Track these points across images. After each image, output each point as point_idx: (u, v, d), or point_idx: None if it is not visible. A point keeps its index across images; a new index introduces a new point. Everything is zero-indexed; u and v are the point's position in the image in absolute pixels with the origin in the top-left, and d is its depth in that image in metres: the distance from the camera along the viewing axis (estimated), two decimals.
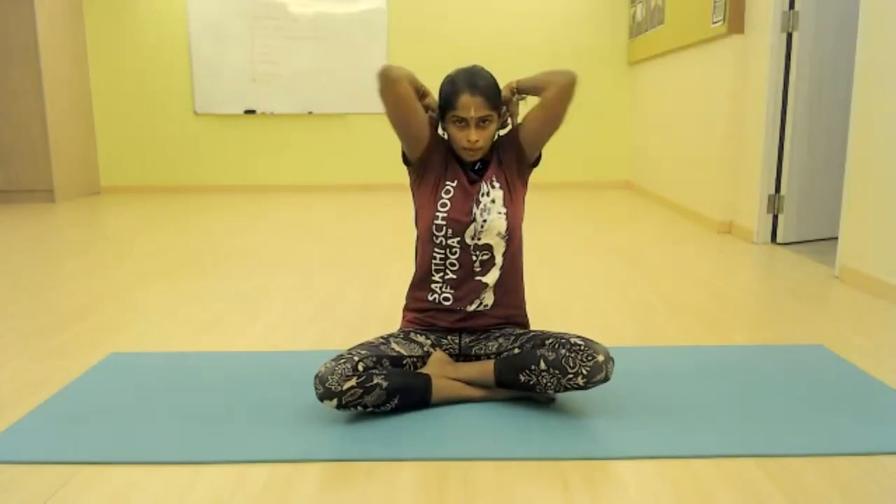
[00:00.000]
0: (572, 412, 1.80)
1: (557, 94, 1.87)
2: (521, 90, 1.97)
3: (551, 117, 1.91)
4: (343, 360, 1.73)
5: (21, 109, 6.09)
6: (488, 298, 1.95)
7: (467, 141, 1.86)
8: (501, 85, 1.95)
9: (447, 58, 6.59)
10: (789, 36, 3.89)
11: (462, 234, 1.91)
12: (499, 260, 1.94)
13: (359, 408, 1.73)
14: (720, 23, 4.33)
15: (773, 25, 3.87)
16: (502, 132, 2.02)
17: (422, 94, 1.93)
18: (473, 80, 1.84)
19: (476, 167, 1.97)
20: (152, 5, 6.71)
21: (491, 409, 1.82)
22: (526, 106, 1.98)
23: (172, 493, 1.47)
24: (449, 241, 1.91)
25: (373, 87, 6.77)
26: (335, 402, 1.70)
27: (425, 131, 1.93)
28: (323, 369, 1.72)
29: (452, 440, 1.66)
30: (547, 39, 6.76)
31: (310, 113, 6.83)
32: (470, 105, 1.83)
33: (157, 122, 6.90)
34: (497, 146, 2.00)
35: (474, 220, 1.90)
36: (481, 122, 1.86)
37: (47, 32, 6.11)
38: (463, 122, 1.86)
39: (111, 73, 6.84)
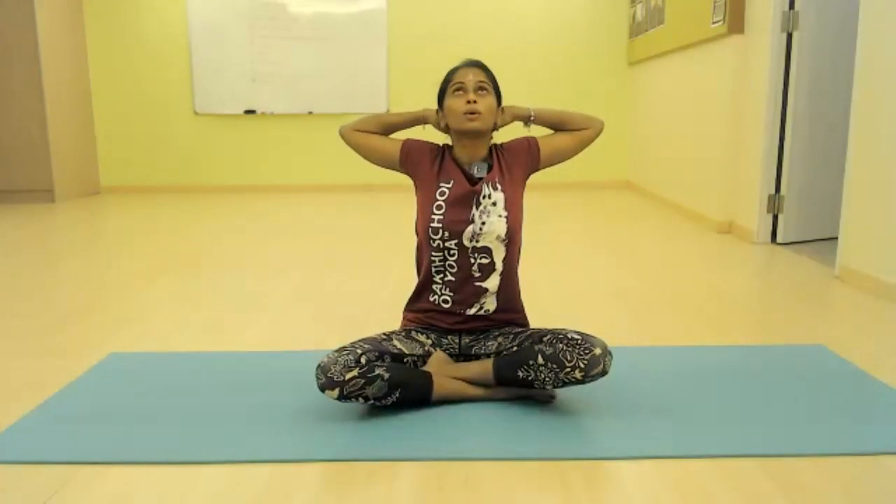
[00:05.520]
0: (572, 412, 1.80)
1: (593, 136, 2.04)
2: (541, 121, 2.03)
3: (576, 150, 2.05)
4: (346, 352, 1.74)
5: (21, 109, 6.09)
6: (490, 304, 1.95)
7: (466, 103, 1.88)
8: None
9: (447, 57, 6.54)
10: (789, 36, 3.89)
11: (460, 237, 1.90)
12: (499, 265, 1.93)
13: (360, 399, 1.73)
14: (720, 23, 4.33)
15: (773, 25, 3.87)
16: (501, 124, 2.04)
17: (400, 124, 2.05)
18: (471, 60, 1.95)
19: (476, 171, 1.96)
20: (152, 5, 6.71)
21: (491, 409, 1.82)
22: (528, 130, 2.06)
23: (172, 493, 1.47)
24: (447, 244, 1.91)
25: (373, 86, 6.78)
26: (337, 392, 1.70)
27: (391, 155, 2.02)
28: (325, 360, 1.73)
29: (452, 440, 1.66)
30: (547, 39, 6.76)
31: (310, 113, 6.83)
32: (468, 72, 1.92)
33: (157, 122, 6.90)
34: (502, 150, 2.00)
35: (472, 221, 1.89)
36: (479, 88, 1.91)
37: (47, 32, 6.11)
38: (461, 89, 1.90)
39: (111, 73, 6.84)
